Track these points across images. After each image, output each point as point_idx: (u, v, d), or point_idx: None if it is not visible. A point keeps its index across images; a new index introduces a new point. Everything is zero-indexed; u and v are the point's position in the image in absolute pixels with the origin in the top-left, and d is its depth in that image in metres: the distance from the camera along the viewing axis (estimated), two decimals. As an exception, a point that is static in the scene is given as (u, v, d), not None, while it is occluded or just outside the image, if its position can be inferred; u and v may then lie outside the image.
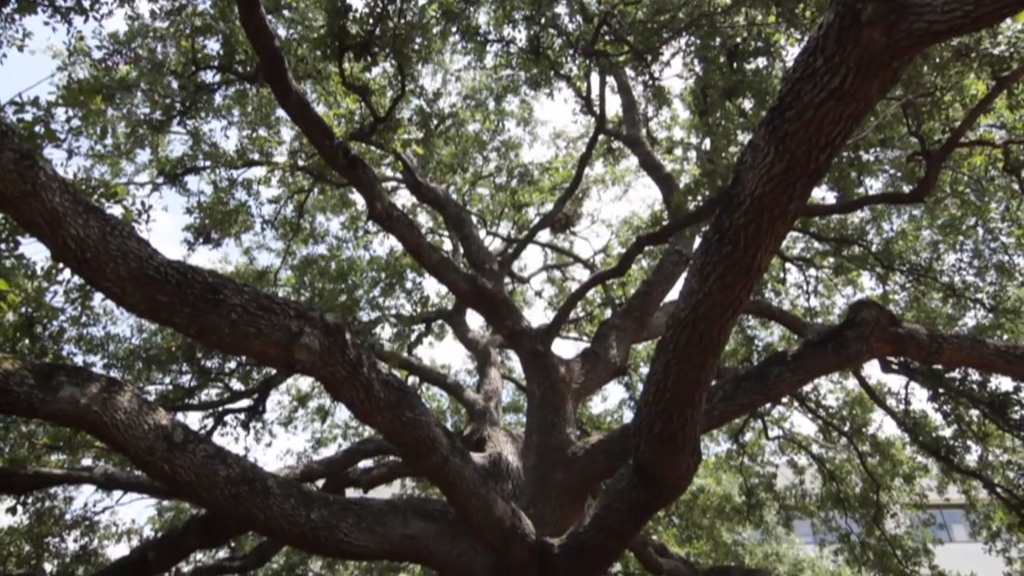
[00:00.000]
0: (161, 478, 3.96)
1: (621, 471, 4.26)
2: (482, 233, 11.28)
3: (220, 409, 9.25)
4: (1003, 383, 7.82)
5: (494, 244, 11.60)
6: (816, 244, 9.98)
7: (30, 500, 8.24)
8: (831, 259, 9.83)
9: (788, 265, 10.33)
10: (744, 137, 6.64)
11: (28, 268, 6.39)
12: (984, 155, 7.44)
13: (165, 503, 10.96)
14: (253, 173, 9.39)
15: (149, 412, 3.85)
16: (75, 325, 7.02)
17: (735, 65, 6.76)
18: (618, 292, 11.04)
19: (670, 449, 3.83)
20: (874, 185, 8.75)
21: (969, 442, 8.73)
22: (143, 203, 5.98)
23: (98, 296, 6.82)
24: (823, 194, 9.27)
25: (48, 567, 9.37)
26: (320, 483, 7.93)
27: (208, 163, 8.65)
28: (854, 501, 9.98)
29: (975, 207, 8.28)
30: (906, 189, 7.40)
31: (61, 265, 5.88)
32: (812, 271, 10.24)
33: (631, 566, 11.38)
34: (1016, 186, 7.93)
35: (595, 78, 8.17)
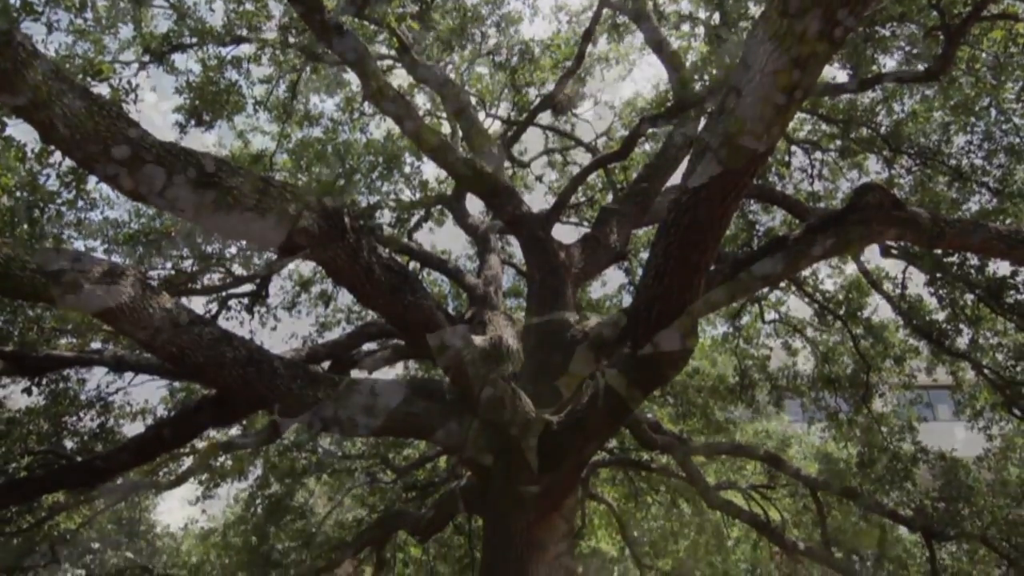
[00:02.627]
0: (169, 360, 4.05)
1: (619, 353, 4.35)
2: (481, 115, 10.98)
3: (223, 294, 9.35)
4: (1001, 267, 7.85)
5: (494, 126, 11.33)
6: (823, 126, 9.73)
7: (44, 382, 8.47)
8: (838, 142, 9.62)
9: (794, 148, 10.13)
10: (756, 9, 6.32)
11: (19, 151, 6.27)
12: (1005, 30, 7.11)
13: (176, 384, 11.30)
14: (242, 51, 9.01)
15: (153, 296, 3.88)
16: (72, 209, 6.96)
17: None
18: (620, 176, 10.88)
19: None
20: (888, 63, 8.43)
21: (961, 325, 8.89)
22: (130, 82, 5.77)
23: (92, 179, 6.71)
24: (835, 72, 8.95)
25: (68, 444, 9.77)
26: (325, 365, 8.13)
27: (194, 40, 8.29)
28: (844, 382, 10.28)
29: (990, 86, 8.01)
30: (921, 68, 7.13)
31: (52, 147, 5.75)
32: (818, 154, 10.05)
33: (627, 442, 11.89)
34: (1035, 64, 7.64)
35: (600, -55, 7.69)
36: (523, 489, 4.75)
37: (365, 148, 10.78)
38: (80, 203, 7.12)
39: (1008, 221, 7.91)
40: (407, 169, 10.65)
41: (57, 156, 6.14)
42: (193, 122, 8.34)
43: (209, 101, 8.31)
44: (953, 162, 8.75)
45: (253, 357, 4.22)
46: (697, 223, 3.46)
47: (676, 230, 3.55)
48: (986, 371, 8.78)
